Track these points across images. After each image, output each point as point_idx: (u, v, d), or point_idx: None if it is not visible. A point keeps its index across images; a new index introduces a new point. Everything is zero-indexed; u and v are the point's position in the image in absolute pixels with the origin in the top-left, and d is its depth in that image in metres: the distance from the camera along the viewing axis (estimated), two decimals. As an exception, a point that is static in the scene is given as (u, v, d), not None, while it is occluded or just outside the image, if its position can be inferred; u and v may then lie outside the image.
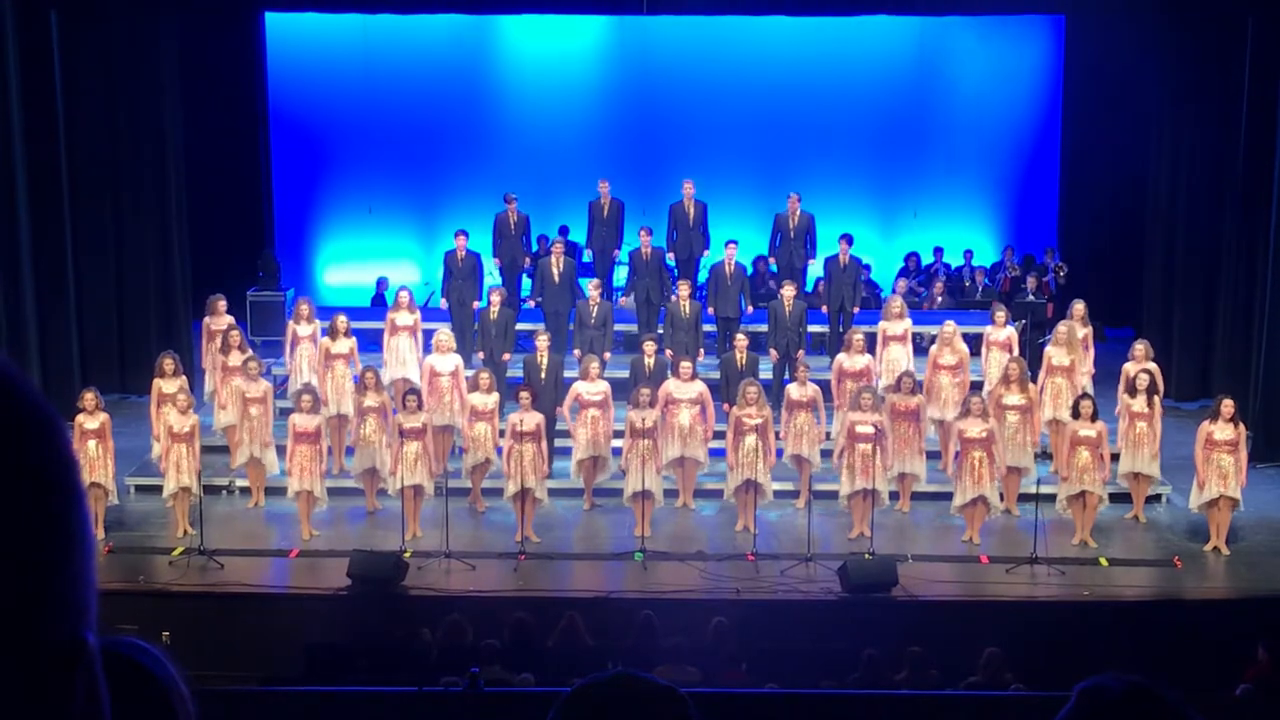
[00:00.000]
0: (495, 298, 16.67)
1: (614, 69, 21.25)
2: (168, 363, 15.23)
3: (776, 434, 14.95)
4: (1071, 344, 15.83)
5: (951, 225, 21.33)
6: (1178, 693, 1.98)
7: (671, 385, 15.05)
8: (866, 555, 13.76)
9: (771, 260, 18.50)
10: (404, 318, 16.46)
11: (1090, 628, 12.84)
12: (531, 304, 17.84)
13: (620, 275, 18.75)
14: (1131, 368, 15.25)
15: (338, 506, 15.09)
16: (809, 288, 18.63)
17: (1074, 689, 2.00)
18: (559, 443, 15.58)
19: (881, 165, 21.34)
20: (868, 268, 19.84)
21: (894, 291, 18.93)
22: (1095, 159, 20.65)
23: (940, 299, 20.00)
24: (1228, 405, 14.16)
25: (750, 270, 18.49)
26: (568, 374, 15.78)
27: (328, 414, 15.52)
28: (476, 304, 17.05)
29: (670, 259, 17.97)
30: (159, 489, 14.68)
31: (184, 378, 15.27)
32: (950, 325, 16.17)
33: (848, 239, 17.50)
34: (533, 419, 14.50)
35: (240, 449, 15.09)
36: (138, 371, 17.94)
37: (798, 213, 17.80)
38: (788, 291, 16.70)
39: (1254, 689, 10.68)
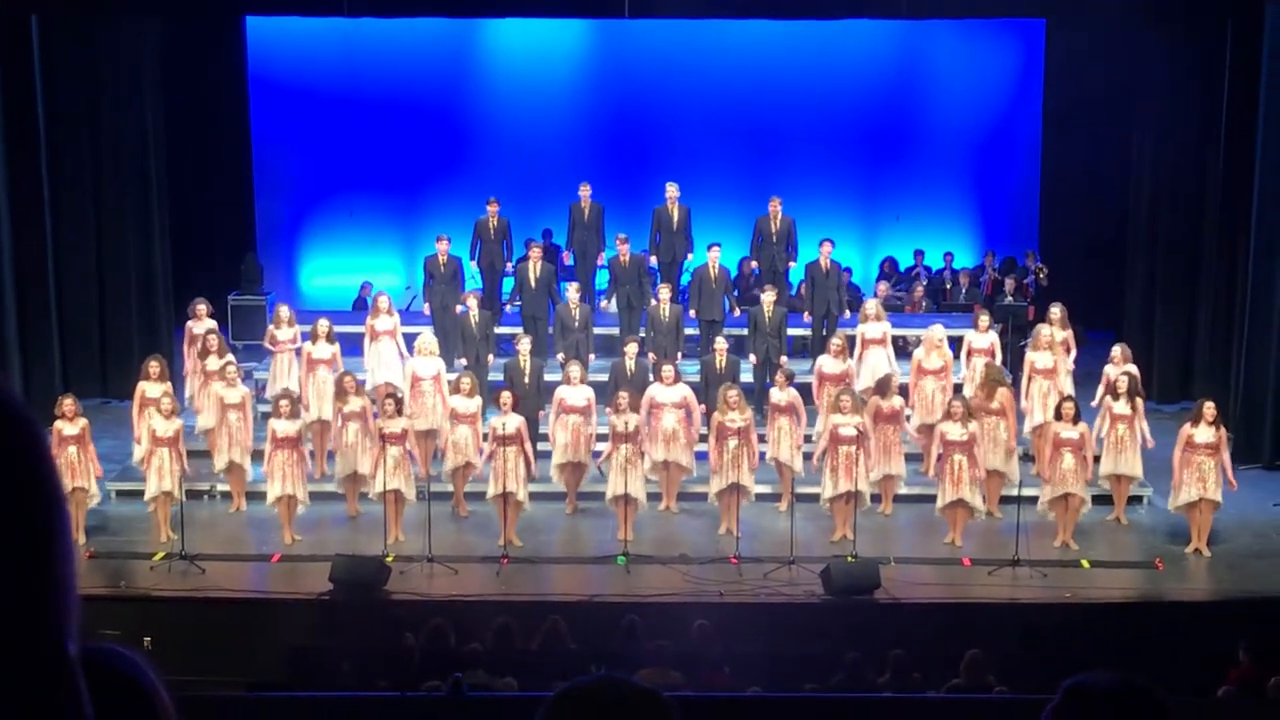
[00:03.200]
0: (472, 301, 16.65)
1: (596, 72, 21.22)
2: (153, 366, 15.17)
3: (760, 437, 14.96)
4: (1053, 347, 15.87)
5: (933, 228, 21.34)
6: (1164, 690, 1.98)
7: (655, 390, 15.05)
8: (849, 558, 13.77)
9: (754, 263, 18.51)
10: (384, 322, 16.41)
11: (1072, 630, 12.85)
12: (509, 308, 17.82)
13: (603, 279, 18.73)
14: (1112, 371, 15.30)
15: (319, 511, 15.05)
16: (791, 291, 18.61)
17: (1060, 686, 2.00)
18: (541, 446, 15.56)
19: (863, 169, 21.35)
20: (849, 270, 19.86)
21: (874, 295, 18.93)
22: (1075, 162, 20.70)
23: (924, 303, 20.02)
24: (1209, 408, 14.22)
25: (734, 273, 18.49)
26: (551, 378, 15.77)
27: (309, 419, 15.49)
28: (458, 308, 17.02)
29: (653, 262, 17.96)
30: (140, 494, 14.63)
31: (169, 383, 15.21)
32: (938, 329, 16.20)
33: (829, 242, 17.50)
34: (514, 422, 14.49)
35: (220, 454, 15.05)
36: (119, 376, 17.87)
37: (779, 216, 17.78)
38: (768, 297, 16.69)
39: (1235, 691, 10.70)
